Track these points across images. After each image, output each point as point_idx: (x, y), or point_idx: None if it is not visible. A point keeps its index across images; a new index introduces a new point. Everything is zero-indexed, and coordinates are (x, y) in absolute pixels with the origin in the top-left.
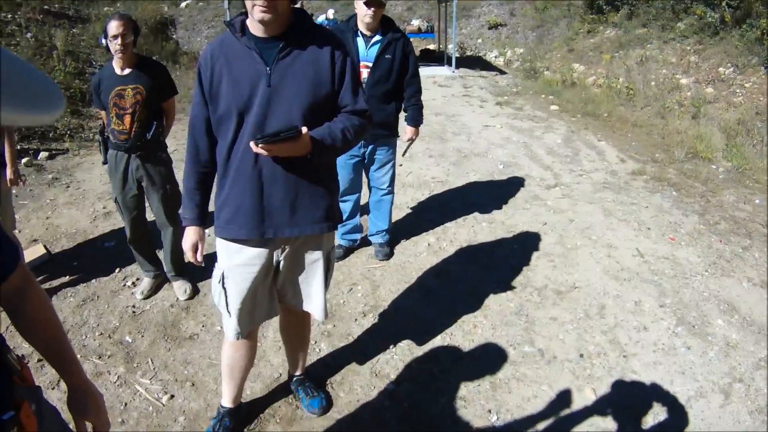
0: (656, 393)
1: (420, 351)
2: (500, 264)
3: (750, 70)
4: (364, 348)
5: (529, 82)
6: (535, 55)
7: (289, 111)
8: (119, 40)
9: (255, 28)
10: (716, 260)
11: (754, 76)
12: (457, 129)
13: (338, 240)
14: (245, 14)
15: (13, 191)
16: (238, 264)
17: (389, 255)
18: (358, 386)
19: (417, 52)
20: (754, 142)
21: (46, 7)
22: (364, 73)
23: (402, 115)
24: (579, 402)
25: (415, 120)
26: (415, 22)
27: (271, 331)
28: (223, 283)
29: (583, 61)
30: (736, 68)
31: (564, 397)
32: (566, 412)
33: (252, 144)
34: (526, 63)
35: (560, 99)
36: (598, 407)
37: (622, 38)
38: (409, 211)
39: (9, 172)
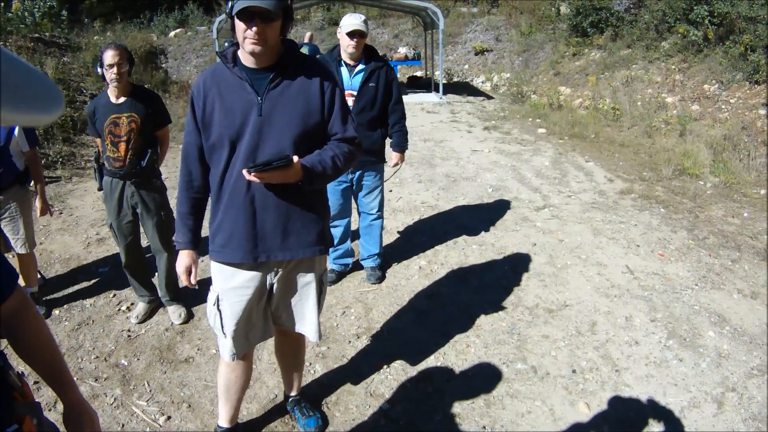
0: (649, 405)
1: (414, 371)
2: (491, 285)
3: (734, 85)
4: (359, 369)
5: (516, 106)
6: (522, 80)
7: (280, 140)
8: (115, 69)
9: (246, 59)
10: (706, 274)
11: (739, 92)
12: (445, 154)
13: (330, 265)
14: (236, 44)
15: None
16: (232, 287)
17: (381, 278)
18: (353, 406)
19: (404, 80)
20: (740, 156)
21: (36, 35)
22: (349, 102)
23: (388, 141)
24: (573, 416)
25: (400, 146)
26: (402, 50)
27: (266, 353)
28: (218, 306)
29: (569, 84)
30: (721, 84)
31: (558, 412)
32: (560, 426)
33: (244, 172)
34: (512, 87)
35: (547, 122)
36: (592, 421)
37: (607, 60)
38: (400, 235)
39: (39, 204)
